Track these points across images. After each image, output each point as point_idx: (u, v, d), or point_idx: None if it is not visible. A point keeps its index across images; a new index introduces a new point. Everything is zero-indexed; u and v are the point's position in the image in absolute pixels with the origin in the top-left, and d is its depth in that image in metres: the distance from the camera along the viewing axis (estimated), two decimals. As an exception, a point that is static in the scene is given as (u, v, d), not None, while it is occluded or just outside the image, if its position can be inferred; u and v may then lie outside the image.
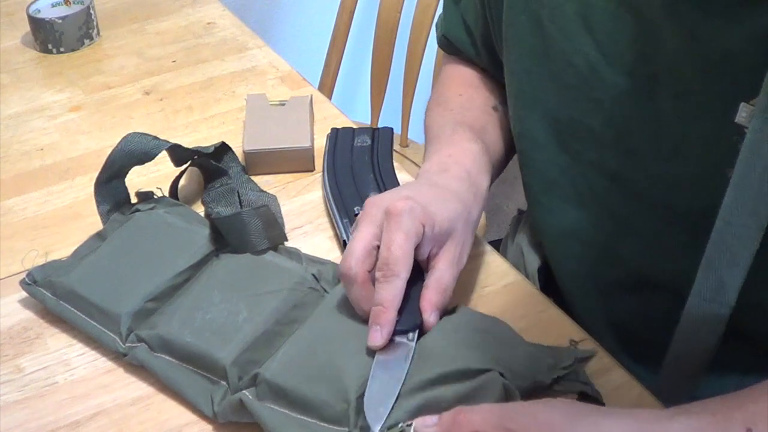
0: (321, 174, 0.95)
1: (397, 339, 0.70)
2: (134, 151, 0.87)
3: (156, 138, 0.88)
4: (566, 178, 0.83)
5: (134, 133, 0.88)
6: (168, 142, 0.89)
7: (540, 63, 0.81)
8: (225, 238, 0.82)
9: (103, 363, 0.77)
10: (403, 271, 0.69)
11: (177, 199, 0.92)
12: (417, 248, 0.71)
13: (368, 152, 0.95)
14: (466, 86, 0.96)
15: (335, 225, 0.88)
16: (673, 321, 0.73)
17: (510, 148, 0.92)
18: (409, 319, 0.71)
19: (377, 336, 0.69)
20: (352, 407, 0.66)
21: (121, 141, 0.87)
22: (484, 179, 0.82)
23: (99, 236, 0.86)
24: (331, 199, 0.90)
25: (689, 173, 0.73)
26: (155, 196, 0.90)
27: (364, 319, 0.72)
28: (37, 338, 0.79)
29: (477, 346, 0.69)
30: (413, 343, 0.70)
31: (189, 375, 0.73)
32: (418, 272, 0.73)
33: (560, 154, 0.82)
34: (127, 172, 0.88)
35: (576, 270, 0.87)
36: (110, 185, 0.88)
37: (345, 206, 0.88)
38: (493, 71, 0.95)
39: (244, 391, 0.69)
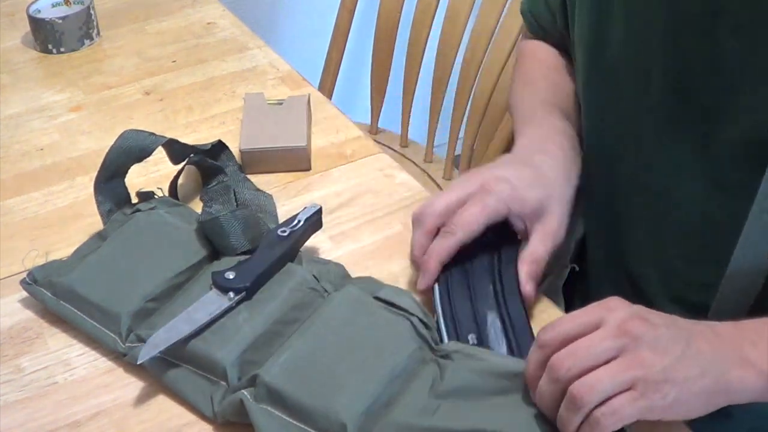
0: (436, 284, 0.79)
1: (219, 293, 0.76)
2: (132, 148, 0.87)
3: (152, 134, 0.88)
4: (624, 125, 0.85)
5: (130, 130, 0.88)
6: (164, 137, 0.88)
7: (607, 12, 0.83)
8: (208, 238, 0.83)
9: (103, 363, 0.77)
10: (462, 234, 0.76)
11: (177, 197, 0.92)
12: (510, 224, 0.79)
13: (489, 257, 0.80)
14: (551, 68, 0.99)
15: (440, 335, 0.75)
16: (725, 265, 0.76)
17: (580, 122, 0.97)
18: (245, 276, 0.77)
19: (420, 282, 0.77)
20: (353, 426, 0.66)
21: (117, 139, 0.87)
22: (577, 157, 0.88)
23: (100, 236, 0.86)
24: (441, 316, 0.76)
25: (746, 107, 0.74)
26: (156, 196, 0.90)
27: (378, 331, 0.73)
28: (37, 338, 0.79)
29: (511, 409, 0.67)
30: (232, 302, 0.76)
31: (189, 375, 0.73)
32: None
33: (619, 101, 0.85)
34: (126, 171, 0.88)
35: (636, 217, 0.88)
36: (111, 185, 0.88)
37: (457, 331, 0.75)
38: (567, 42, 0.96)
39: (242, 391, 0.69)
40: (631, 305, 0.65)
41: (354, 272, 0.83)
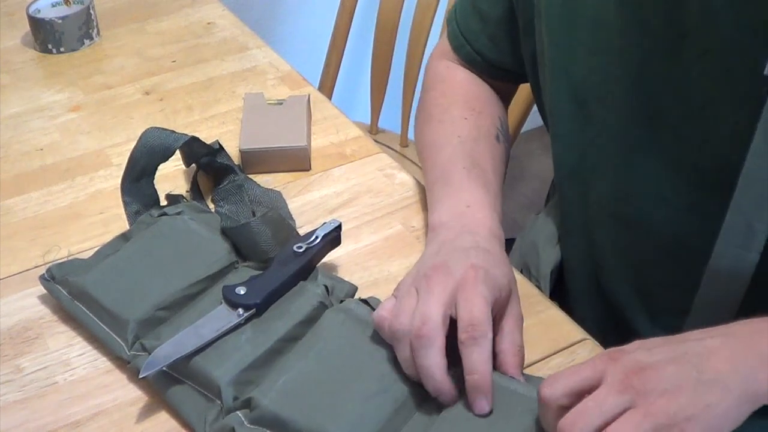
0: None
1: (228, 309, 0.75)
2: (155, 147, 0.86)
3: (174, 132, 0.88)
4: (594, 151, 0.83)
5: (152, 128, 0.88)
6: (186, 135, 0.88)
7: (569, 32, 0.81)
8: (236, 245, 0.82)
9: (103, 363, 0.77)
10: (490, 333, 0.68)
11: (202, 198, 0.92)
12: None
13: None
14: (471, 108, 0.93)
15: None
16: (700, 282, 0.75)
17: (503, 179, 0.92)
18: (255, 293, 0.75)
19: (484, 404, 0.67)
20: None
21: (141, 137, 0.87)
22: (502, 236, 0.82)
23: (124, 237, 0.85)
24: None
25: (717, 131, 0.73)
26: (185, 200, 0.89)
27: (382, 355, 0.71)
28: (37, 338, 0.79)
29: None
30: (240, 320, 0.74)
31: (186, 390, 0.72)
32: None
33: (587, 127, 0.82)
34: (154, 171, 0.87)
35: (611, 242, 0.87)
36: (138, 185, 0.87)
37: None
38: (503, 64, 0.94)
39: (236, 413, 0.68)
40: (630, 352, 0.62)
41: (354, 272, 0.83)
